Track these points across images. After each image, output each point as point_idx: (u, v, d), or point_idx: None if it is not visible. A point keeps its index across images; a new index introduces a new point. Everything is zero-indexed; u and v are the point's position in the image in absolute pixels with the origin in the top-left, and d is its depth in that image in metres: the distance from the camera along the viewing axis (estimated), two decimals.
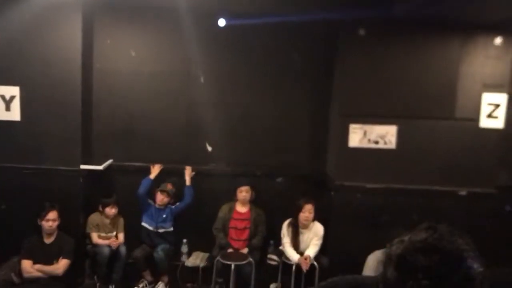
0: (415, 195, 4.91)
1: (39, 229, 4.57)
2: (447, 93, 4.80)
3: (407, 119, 4.87)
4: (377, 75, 4.82)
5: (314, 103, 5.37)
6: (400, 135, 4.86)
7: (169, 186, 5.18)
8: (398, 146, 4.87)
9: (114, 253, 4.95)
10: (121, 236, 5.11)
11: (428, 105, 4.84)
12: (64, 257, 4.55)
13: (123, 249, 5.02)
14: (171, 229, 5.23)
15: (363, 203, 4.91)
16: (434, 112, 4.85)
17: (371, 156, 4.89)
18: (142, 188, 5.11)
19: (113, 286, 4.97)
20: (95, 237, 4.99)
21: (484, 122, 4.85)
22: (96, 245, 4.96)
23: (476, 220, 4.91)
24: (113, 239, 5.00)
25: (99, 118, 5.27)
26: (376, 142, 4.87)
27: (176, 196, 5.26)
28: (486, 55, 4.77)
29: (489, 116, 4.84)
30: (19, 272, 4.47)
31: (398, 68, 4.82)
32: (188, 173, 5.28)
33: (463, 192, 4.90)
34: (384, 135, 4.86)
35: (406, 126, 4.88)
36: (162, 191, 5.13)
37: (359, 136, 4.87)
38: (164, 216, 5.20)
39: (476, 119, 4.84)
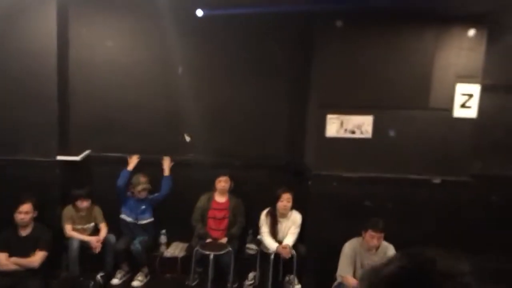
0: (390, 183, 4.99)
1: (15, 222, 4.52)
2: (422, 84, 4.87)
3: (383, 109, 4.94)
4: (353, 66, 4.86)
5: (292, 94, 5.40)
6: (376, 125, 4.93)
7: (142, 179, 5.13)
8: (374, 135, 4.94)
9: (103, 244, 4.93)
10: (103, 226, 5.06)
11: (404, 96, 4.91)
12: (40, 249, 4.51)
13: (112, 238, 5.01)
14: (151, 219, 5.23)
15: (340, 191, 4.97)
16: (409, 102, 4.92)
17: (347, 146, 4.94)
18: (121, 181, 5.08)
19: (103, 274, 4.97)
20: (68, 229, 4.91)
21: (458, 112, 4.94)
22: (69, 238, 4.91)
23: (450, 208, 5.04)
24: (96, 237, 4.92)
25: (76, 109, 5.21)
26: (353, 132, 4.94)
27: (153, 183, 5.23)
28: (460, 47, 4.85)
29: (463, 106, 4.93)
30: None
31: (374, 59, 4.87)
32: (166, 163, 5.27)
33: (437, 181, 5.00)
34: (360, 125, 4.93)
35: (382, 116, 4.94)
36: (144, 189, 5.10)
37: (336, 126, 4.92)
38: (143, 207, 5.18)
39: (450, 109, 4.93)
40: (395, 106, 4.93)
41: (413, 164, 4.98)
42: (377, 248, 4.48)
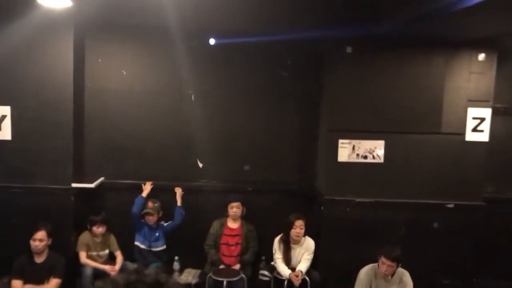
0: (403, 208, 4.98)
1: (30, 249, 4.55)
2: (433, 108, 4.91)
3: (395, 133, 4.97)
4: (364, 91, 4.91)
5: (304, 119, 5.45)
6: (388, 150, 4.95)
7: (150, 205, 5.15)
8: (386, 160, 4.95)
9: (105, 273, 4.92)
10: (119, 254, 5.07)
11: (415, 120, 4.94)
12: (55, 277, 4.52)
13: (130, 265, 4.99)
14: (164, 247, 5.24)
15: (353, 217, 4.97)
16: (421, 126, 4.95)
17: (360, 171, 4.96)
18: (136, 208, 5.11)
19: None
20: (83, 257, 4.89)
21: (470, 136, 4.96)
22: (83, 265, 4.92)
23: (464, 232, 4.99)
24: (111, 267, 4.93)
25: (91, 137, 5.29)
26: (365, 157, 4.95)
27: (166, 210, 5.26)
28: (470, 71, 4.89)
29: (475, 130, 4.94)
30: None
31: (385, 84, 4.92)
32: (179, 193, 5.30)
33: (450, 205, 4.98)
34: (372, 150, 4.95)
35: (394, 140, 4.97)
36: (147, 213, 5.14)
37: (348, 151, 4.94)
38: (157, 235, 5.20)
39: (462, 133, 4.95)
40: (406, 131, 4.96)
41: (426, 189, 4.98)
42: (393, 275, 4.42)
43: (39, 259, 4.57)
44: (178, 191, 5.31)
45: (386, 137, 4.95)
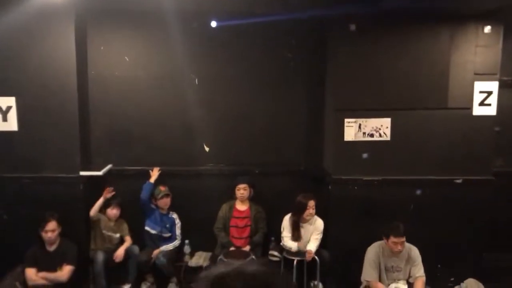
0: (411, 185, 4.98)
1: (42, 238, 4.61)
2: (439, 83, 4.85)
3: (401, 110, 4.93)
4: (369, 69, 4.87)
5: (309, 99, 5.42)
6: (394, 127, 4.92)
7: (162, 189, 5.21)
8: (393, 138, 4.93)
9: (127, 255, 5.04)
10: (128, 239, 5.17)
11: (421, 96, 4.89)
12: (67, 264, 4.60)
13: (135, 249, 5.10)
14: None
15: (361, 195, 4.97)
16: (427, 102, 4.90)
17: (367, 149, 4.94)
18: (144, 193, 5.14)
19: (130, 285, 5.04)
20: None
21: (477, 110, 4.91)
22: (94, 251, 5.00)
23: (473, 207, 4.99)
24: (118, 252, 5.02)
25: (97, 125, 5.30)
26: (371, 135, 4.93)
27: (173, 194, 5.29)
28: (476, 44, 4.82)
29: (482, 103, 4.89)
30: (23, 281, 4.51)
31: (390, 61, 4.86)
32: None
33: (459, 180, 4.96)
34: (378, 128, 4.92)
35: (400, 118, 4.93)
36: (165, 196, 5.18)
37: (354, 130, 4.92)
38: (168, 225, 5.27)
39: (469, 108, 4.90)
40: (413, 107, 4.92)
41: (434, 165, 4.96)
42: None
43: (51, 247, 4.64)
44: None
45: (392, 115, 4.92)
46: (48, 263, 4.57)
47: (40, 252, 4.61)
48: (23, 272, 4.54)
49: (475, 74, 4.84)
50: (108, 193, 5.06)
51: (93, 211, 4.99)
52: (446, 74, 4.84)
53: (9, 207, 4.96)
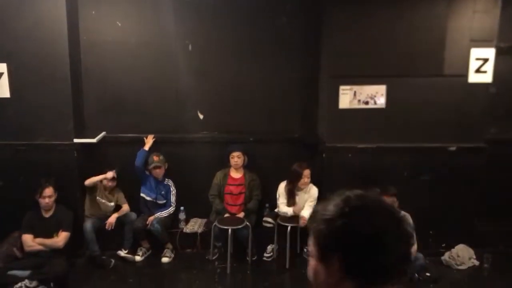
0: (406, 152, 4.99)
1: (37, 204, 4.63)
2: (435, 50, 4.80)
3: (396, 78, 4.89)
4: (364, 36, 4.80)
5: (303, 66, 5.35)
6: (389, 95, 4.89)
7: (155, 159, 5.19)
8: (388, 105, 4.91)
9: (122, 220, 5.12)
10: (125, 206, 5.23)
11: (417, 63, 4.85)
12: (63, 230, 4.64)
13: (132, 215, 5.17)
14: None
15: (355, 163, 4.99)
16: (423, 69, 4.86)
17: (361, 117, 4.93)
18: (138, 161, 5.15)
19: (126, 251, 5.11)
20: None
21: (473, 77, 4.87)
22: (83, 220, 5.05)
23: (466, 174, 5.01)
24: (109, 220, 5.06)
25: (89, 91, 5.24)
26: (366, 103, 4.91)
27: (168, 161, 5.31)
28: (474, 10, 4.74)
29: (478, 71, 4.85)
30: (20, 246, 4.57)
31: (386, 27, 4.80)
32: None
33: (452, 148, 4.97)
34: (373, 95, 4.89)
35: (395, 85, 4.90)
36: (155, 167, 5.18)
37: (349, 97, 4.89)
38: (163, 192, 5.29)
39: (465, 75, 4.86)
40: (408, 74, 4.89)
41: (428, 132, 4.96)
42: None
43: (47, 214, 4.68)
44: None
45: (387, 82, 4.88)
46: (44, 229, 4.62)
47: (37, 218, 4.65)
48: (19, 238, 4.59)
49: (472, 40, 4.78)
50: (110, 176, 5.07)
51: (89, 181, 5.01)
52: (443, 40, 4.78)
53: (4, 174, 4.98)
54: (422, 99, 4.90)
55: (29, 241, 4.55)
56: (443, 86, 4.90)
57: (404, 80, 4.90)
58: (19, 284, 4.34)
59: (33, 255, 4.55)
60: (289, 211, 5.01)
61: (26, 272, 4.39)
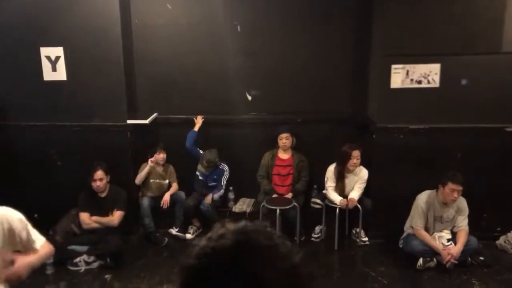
0: (460, 134, 4.84)
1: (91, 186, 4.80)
2: (493, 26, 4.59)
3: (451, 56, 4.72)
4: (418, 12, 4.64)
5: (353, 44, 5.24)
6: (444, 73, 4.72)
7: (203, 165, 5.17)
8: (442, 84, 4.74)
9: (174, 199, 5.23)
10: (175, 185, 5.34)
11: (473, 40, 4.65)
12: (118, 209, 4.81)
13: (182, 195, 5.27)
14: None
15: (407, 144, 4.88)
16: (480, 47, 4.66)
17: (414, 97, 4.80)
18: (188, 142, 5.23)
19: (177, 229, 5.26)
20: (138, 179, 5.18)
21: None
22: (141, 197, 5.21)
23: None
24: (165, 198, 5.19)
25: (141, 73, 5.34)
26: (419, 82, 4.77)
27: (215, 143, 5.34)
28: None
29: None
30: (78, 223, 4.78)
31: (441, 2, 4.62)
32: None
33: (510, 129, 4.77)
34: (427, 74, 4.74)
35: (450, 63, 4.73)
36: (206, 167, 5.20)
37: (401, 76, 4.76)
38: (215, 177, 5.33)
39: None
40: (464, 52, 4.70)
41: (484, 113, 4.78)
42: None
43: (102, 194, 4.85)
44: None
45: (442, 60, 4.71)
46: (100, 208, 4.80)
47: (92, 198, 4.82)
48: (77, 216, 4.79)
49: None
50: (160, 158, 5.20)
51: (139, 179, 5.17)
52: (501, 15, 4.55)
53: (61, 155, 5.20)
54: (478, 77, 4.72)
55: (86, 219, 4.74)
56: (501, 64, 4.69)
57: (460, 58, 4.72)
58: (78, 259, 4.57)
59: (90, 232, 4.74)
60: (337, 199, 4.95)
61: (85, 248, 4.62)
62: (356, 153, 4.90)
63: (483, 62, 4.70)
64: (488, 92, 4.73)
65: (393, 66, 4.73)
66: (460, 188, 4.30)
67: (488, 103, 4.74)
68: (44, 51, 4.94)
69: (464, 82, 4.69)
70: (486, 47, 4.66)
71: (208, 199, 5.19)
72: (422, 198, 4.53)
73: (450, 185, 4.29)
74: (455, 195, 4.30)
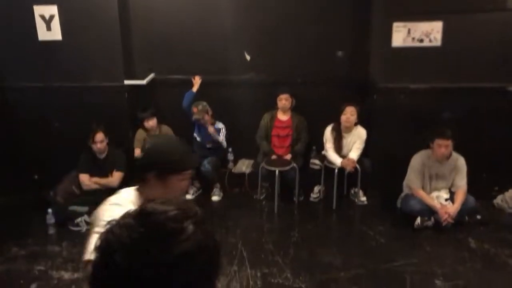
0: (461, 93, 4.78)
1: (91, 148, 4.80)
2: None
3: (454, 13, 4.60)
4: None
5: (354, 2, 5.12)
6: (446, 32, 4.63)
7: (194, 110, 5.06)
8: (444, 43, 4.65)
9: None
10: None
11: None
12: (117, 171, 4.82)
13: None
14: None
15: (408, 104, 4.84)
16: (484, 3, 4.55)
17: (415, 56, 4.72)
18: (186, 102, 5.16)
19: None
20: (137, 153, 5.14)
21: None
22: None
23: None
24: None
25: (138, 33, 5.24)
26: (421, 41, 4.67)
27: (213, 104, 5.24)
28: None
29: None
30: (78, 185, 4.80)
31: None
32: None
33: None
34: (429, 33, 4.64)
35: (453, 21, 4.62)
36: (196, 120, 5.13)
37: (402, 35, 4.67)
38: (209, 146, 5.30)
39: None
40: (467, 9, 4.59)
41: (487, 72, 4.71)
42: (448, 157, 4.40)
43: (101, 156, 4.85)
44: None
45: (444, 18, 4.60)
46: (100, 170, 4.82)
47: (92, 160, 4.83)
48: (77, 177, 4.81)
49: None
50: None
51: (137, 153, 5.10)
52: None
53: (59, 116, 5.17)
54: (481, 36, 4.62)
55: (86, 180, 4.77)
56: (505, 21, 4.58)
57: (462, 16, 4.61)
58: (79, 219, 4.61)
59: (90, 193, 4.75)
60: (337, 161, 4.92)
61: (85, 208, 4.63)
62: (350, 109, 4.83)
63: (487, 19, 4.59)
64: (491, 51, 4.64)
65: (395, 24, 4.63)
66: (447, 143, 4.28)
67: (491, 62, 4.67)
68: (38, 9, 4.82)
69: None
70: (490, 3, 4.54)
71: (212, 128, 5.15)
72: (417, 157, 4.54)
73: (437, 141, 4.29)
74: (443, 150, 4.30)
